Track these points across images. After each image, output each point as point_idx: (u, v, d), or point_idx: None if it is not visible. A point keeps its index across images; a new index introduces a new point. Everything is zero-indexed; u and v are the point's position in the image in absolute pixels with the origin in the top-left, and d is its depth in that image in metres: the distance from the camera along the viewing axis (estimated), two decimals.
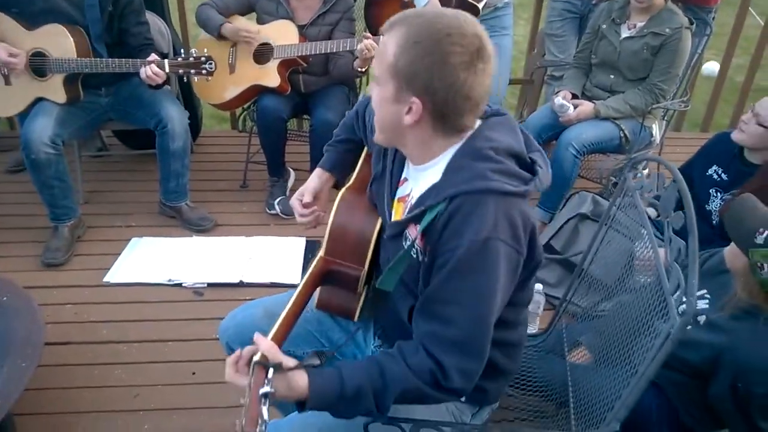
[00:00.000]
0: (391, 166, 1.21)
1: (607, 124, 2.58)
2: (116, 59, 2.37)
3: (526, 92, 3.68)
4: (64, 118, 2.42)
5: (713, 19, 2.88)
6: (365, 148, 1.41)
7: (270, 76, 2.61)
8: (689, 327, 1.41)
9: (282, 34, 2.58)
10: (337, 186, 1.45)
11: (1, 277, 1.82)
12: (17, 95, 2.47)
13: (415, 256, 1.10)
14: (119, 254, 2.49)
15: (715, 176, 2.16)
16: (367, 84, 3.10)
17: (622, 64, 2.60)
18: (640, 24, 2.56)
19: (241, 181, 3.03)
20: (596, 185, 2.94)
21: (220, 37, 2.64)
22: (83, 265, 2.45)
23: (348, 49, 2.50)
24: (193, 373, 1.98)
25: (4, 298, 1.71)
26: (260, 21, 2.67)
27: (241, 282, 2.36)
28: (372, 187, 1.27)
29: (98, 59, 2.39)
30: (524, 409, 1.55)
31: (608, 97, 2.63)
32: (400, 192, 1.19)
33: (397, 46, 1.01)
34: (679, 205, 1.15)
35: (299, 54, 2.57)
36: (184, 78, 2.45)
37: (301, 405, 1.02)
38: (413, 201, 1.12)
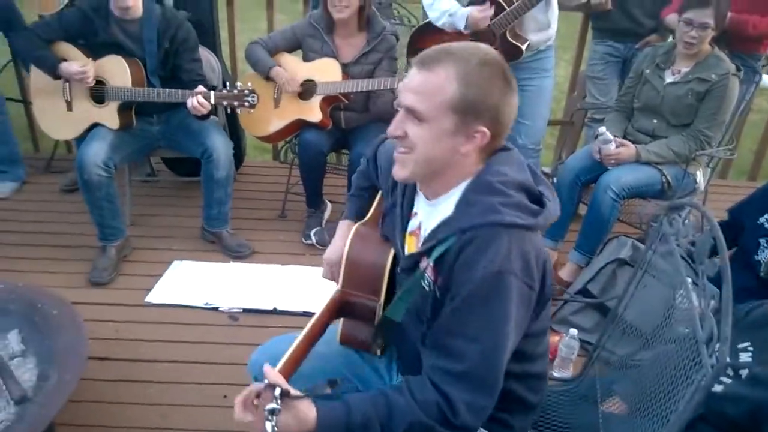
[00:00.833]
0: (401, 200, 1.22)
1: (649, 169, 2.53)
2: (167, 89, 2.50)
3: (566, 133, 3.67)
4: (116, 143, 2.54)
5: (763, 66, 2.83)
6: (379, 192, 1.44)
7: (313, 111, 2.70)
8: (729, 381, 1.38)
9: (326, 72, 2.67)
10: None
11: (52, 293, 1.89)
12: (76, 120, 2.63)
13: (426, 287, 1.11)
14: (161, 276, 2.57)
15: (767, 225, 2.09)
16: None
17: (665, 109, 2.58)
18: (685, 70, 2.54)
19: (280, 210, 3.10)
20: (636, 231, 2.88)
21: (268, 78, 2.74)
22: (127, 285, 2.53)
23: (388, 87, 2.57)
24: (225, 397, 2.00)
25: (54, 312, 1.78)
26: (306, 58, 2.77)
27: (275, 309, 2.40)
28: (384, 222, 1.29)
29: (150, 89, 2.52)
30: None
31: (650, 141, 2.60)
32: (412, 225, 1.21)
33: (458, 79, 1.01)
34: (714, 252, 1.13)
35: (342, 91, 2.65)
36: (228, 110, 2.54)
37: None
38: (425, 234, 1.14)
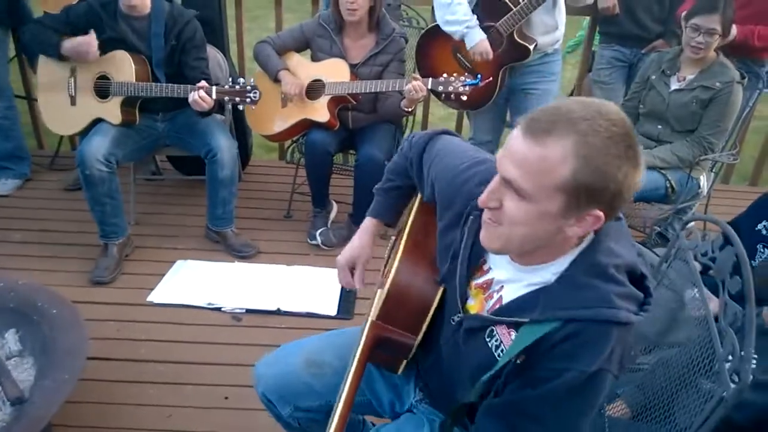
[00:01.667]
0: (465, 238, 1.06)
1: (652, 174, 2.55)
2: (169, 84, 2.49)
3: None
4: (119, 139, 2.53)
5: (767, 72, 2.84)
6: (417, 196, 1.34)
7: (320, 111, 2.69)
8: (734, 386, 1.38)
9: (334, 72, 2.66)
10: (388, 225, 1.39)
11: (53, 291, 1.87)
12: (78, 115, 2.62)
13: (495, 351, 1.01)
14: (164, 275, 2.56)
15: (764, 231, 2.11)
16: (413, 123, 3.16)
17: (670, 116, 2.59)
18: (690, 77, 2.56)
19: (286, 210, 3.10)
20: (640, 234, 2.89)
21: (276, 80, 2.74)
22: (129, 284, 2.52)
23: (397, 89, 2.56)
24: (226, 398, 2.00)
25: (54, 311, 1.76)
26: (314, 58, 2.76)
27: (278, 310, 2.39)
28: (439, 245, 1.15)
29: (152, 83, 2.51)
30: None
31: (655, 146, 2.61)
32: (481, 277, 1.07)
33: (577, 158, 0.83)
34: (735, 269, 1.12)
35: (350, 92, 2.65)
36: (229, 105, 2.53)
37: None
38: (507, 298, 1.01)
